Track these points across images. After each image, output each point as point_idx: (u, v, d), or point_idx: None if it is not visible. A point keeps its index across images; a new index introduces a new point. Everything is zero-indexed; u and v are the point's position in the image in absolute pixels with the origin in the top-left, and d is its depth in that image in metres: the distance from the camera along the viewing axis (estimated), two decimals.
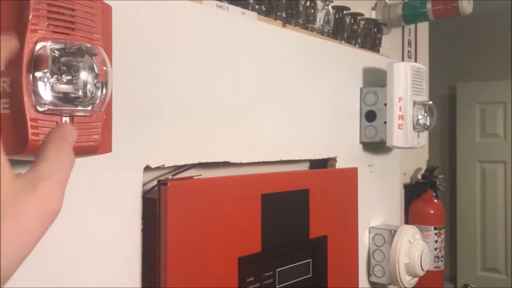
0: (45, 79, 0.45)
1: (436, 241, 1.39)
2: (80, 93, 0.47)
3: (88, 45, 0.48)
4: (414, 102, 1.08)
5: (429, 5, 1.31)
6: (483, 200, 2.95)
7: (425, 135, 1.14)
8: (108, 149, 0.55)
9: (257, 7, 0.90)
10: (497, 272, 2.89)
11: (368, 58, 1.17)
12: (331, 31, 1.12)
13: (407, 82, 1.07)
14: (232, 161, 0.82)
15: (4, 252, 0.29)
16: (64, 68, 0.47)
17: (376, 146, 1.18)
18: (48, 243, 0.56)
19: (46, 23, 0.46)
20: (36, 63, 0.45)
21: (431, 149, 1.65)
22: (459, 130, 3.05)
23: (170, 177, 0.68)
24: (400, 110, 1.07)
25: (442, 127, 3.22)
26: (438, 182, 1.43)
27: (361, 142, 1.14)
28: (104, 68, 0.49)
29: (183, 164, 0.75)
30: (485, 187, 2.95)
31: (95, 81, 0.49)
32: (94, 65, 0.48)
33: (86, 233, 0.61)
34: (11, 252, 0.30)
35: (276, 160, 0.91)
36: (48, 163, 0.34)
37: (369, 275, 1.13)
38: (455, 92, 3.10)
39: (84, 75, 0.47)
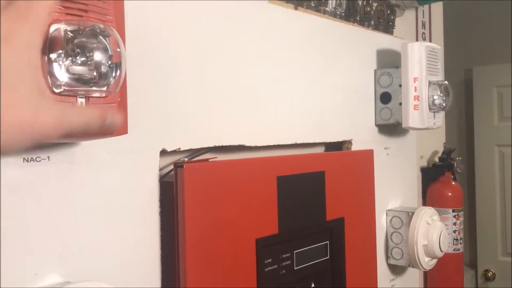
0: (60, 61, 0.45)
1: (454, 224, 1.38)
2: (95, 73, 0.48)
3: (101, 25, 0.49)
4: (430, 82, 1.07)
5: None
6: (502, 184, 2.90)
7: (441, 115, 1.12)
8: (124, 131, 0.55)
9: None
10: None
11: (381, 40, 1.15)
12: (343, 14, 1.11)
13: (422, 62, 1.05)
14: (247, 144, 0.82)
15: None
16: (78, 49, 0.47)
17: (391, 128, 1.17)
18: (67, 227, 0.57)
19: (59, 6, 0.46)
20: (51, 45, 0.45)
21: (448, 133, 1.63)
22: (476, 114, 3.00)
23: (186, 160, 0.68)
24: (416, 91, 1.06)
25: (459, 111, 3.18)
26: (455, 164, 1.42)
27: (376, 125, 1.13)
28: (118, 49, 0.50)
29: (199, 147, 0.75)
30: (504, 171, 2.91)
31: (109, 62, 0.49)
32: (108, 46, 0.49)
33: (104, 216, 0.61)
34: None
35: (291, 143, 0.91)
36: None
37: (387, 257, 1.13)
38: (471, 76, 3.06)
39: (98, 56, 0.48)
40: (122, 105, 0.54)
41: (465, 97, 3.16)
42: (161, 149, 0.69)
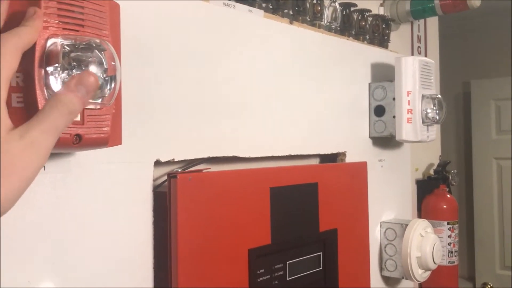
0: (57, 74, 0.47)
1: (449, 236, 1.39)
2: None
3: (97, 40, 0.50)
4: (423, 96, 1.08)
5: (437, 0, 1.31)
6: (500, 197, 2.91)
7: (434, 129, 1.14)
8: (118, 142, 0.57)
9: (264, 5, 0.92)
10: None
11: (376, 54, 1.17)
12: (338, 28, 1.14)
13: (415, 76, 1.07)
14: (241, 155, 0.83)
15: None
16: (75, 63, 0.49)
17: (386, 141, 1.19)
18: (61, 236, 0.59)
19: (57, 21, 0.48)
20: (48, 58, 0.47)
21: (446, 146, 1.64)
22: (474, 127, 3.02)
23: (179, 170, 0.70)
24: (409, 104, 1.07)
25: (457, 124, 3.20)
26: (450, 177, 1.43)
27: (371, 137, 1.14)
28: (113, 63, 0.51)
29: (193, 158, 0.76)
30: (502, 184, 2.92)
31: (104, 75, 0.51)
32: (103, 60, 0.50)
33: (98, 226, 0.63)
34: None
35: (285, 155, 0.92)
36: (39, 114, 0.41)
37: (381, 269, 1.14)
38: (470, 89, 3.08)
39: (93, 69, 0.49)
40: (117, 116, 0.56)
41: (463, 110, 3.18)
42: (155, 160, 0.70)
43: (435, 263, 1.09)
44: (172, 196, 0.68)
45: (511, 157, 2.89)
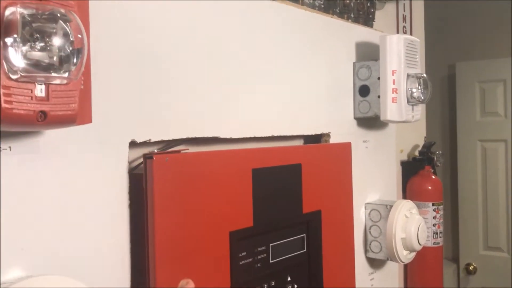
0: (16, 46, 0.44)
1: (434, 217, 1.38)
2: (55, 59, 0.46)
3: (62, 10, 0.47)
4: (408, 75, 1.06)
5: None
6: (484, 179, 2.93)
7: (419, 108, 1.12)
8: (88, 120, 0.54)
9: None
10: (499, 251, 2.89)
11: (361, 33, 1.15)
12: (322, 6, 1.11)
13: (400, 54, 1.05)
14: (222, 136, 0.81)
15: None
16: (37, 35, 0.46)
17: (370, 122, 1.17)
18: (30, 220, 0.56)
19: None
20: (6, 29, 0.44)
21: (431, 129, 1.63)
22: (459, 110, 3.02)
23: (156, 151, 0.67)
24: (394, 84, 1.05)
25: (443, 107, 3.20)
26: (435, 158, 1.42)
27: (355, 118, 1.12)
28: (79, 35, 0.48)
29: (171, 139, 0.74)
30: (486, 166, 2.93)
31: (70, 48, 0.47)
32: (69, 32, 0.47)
33: (70, 209, 0.60)
34: None
35: (268, 136, 0.90)
36: None
37: (366, 251, 1.13)
38: (455, 72, 3.07)
39: (57, 41, 0.46)
40: (86, 92, 0.53)
41: (448, 93, 3.18)
42: (130, 140, 0.67)
43: (420, 244, 1.09)
44: (148, 177, 0.65)
45: (496, 140, 2.90)
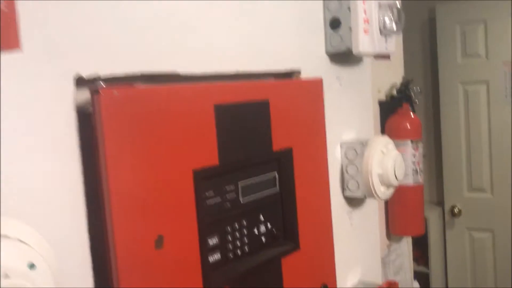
0: None
1: (414, 155, 1.36)
2: None
3: None
4: (380, 4, 1.01)
5: None
6: (467, 121, 2.93)
7: (393, 40, 1.08)
8: (14, 45, 0.49)
9: None
10: (482, 192, 2.92)
11: None
12: None
13: None
14: (181, 71, 0.76)
15: None
16: None
17: (344, 58, 1.12)
18: None
19: None
20: None
21: (411, 74, 1.59)
22: (440, 52, 2.98)
23: (103, 85, 0.62)
24: (365, 13, 1.00)
25: (424, 51, 3.16)
26: (413, 95, 1.39)
27: (327, 53, 1.07)
28: None
29: (123, 75, 0.68)
30: (468, 109, 2.92)
31: None
32: None
33: (10, 153, 0.55)
34: None
35: (232, 72, 0.85)
36: None
37: (343, 190, 1.11)
38: (435, 16, 3.01)
39: None
40: (10, 15, 0.47)
41: (429, 36, 3.13)
42: (75, 75, 0.62)
43: (397, 179, 1.06)
44: (97, 115, 0.60)
45: (477, 81, 2.88)
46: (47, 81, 0.59)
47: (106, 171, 0.61)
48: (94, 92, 0.60)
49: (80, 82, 0.63)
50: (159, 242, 0.66)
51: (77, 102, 0.63)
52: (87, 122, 0.62)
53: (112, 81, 0.66)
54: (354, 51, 1.02)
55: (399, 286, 1.24)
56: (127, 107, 0.63)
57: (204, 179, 0.73)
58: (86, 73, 0.63)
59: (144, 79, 0.70)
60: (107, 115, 0.60)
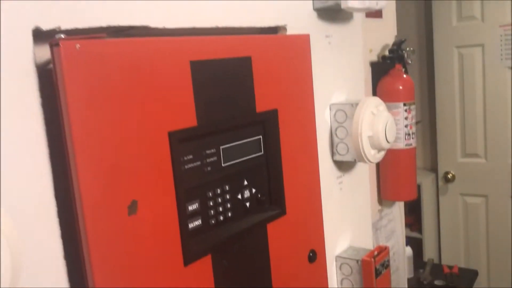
0: None
1: (406, 118, 1.32)
2: None
3: None
4: None
5: None
6: (461, 86, 2.88)
7: None
8: None
9: None
10: (476, 157, 2.90)
11: None
12: None
13: None
14: (153, 25, 0.70)
15: None
16: None
17: (333, 14, 1.06)
18: None
19: None
20: None
21: (405, 33, 1.53)
22: (435, 15, 2.90)
23: (63, 36, 0.56)
24: None
25: (418, 12, 3.08)
26: (406, 55, 1.33)
27: (315, 9, 1.01)
28: None
29: (87, 28, 0.63)
30: (463, 73, 2.87)
31: None
32: None
33: None
34: None
35: (211, 26, 0.79)
36: None
37: (333, 154, 1.06)
38: None
39: None
40: None
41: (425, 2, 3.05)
42: (33, 27, 0.56)
43: (388, 142, 1.02)
44: (58, 70, 0.55)
45: (472, 45, 2.82)
46: (1, 34, 0.53)
47: (71, 132, 0.56)
48: (54, 45, 0.54)
49: (39, 35, 0.57)
50: (132, 207, 0.62)
51: (37, 58, 0.57)
52: (48, 79, 0.57)
53: (75, 33, 0.60)
54: (343, 6, 0.96)
55: (391, 251, 1.22)
56: (91, 61, 0.57)
57: (181, 141, 0.68)
58: (46, 27, 0.57)
59: (111, 33, 0.65)
60: (69, 70, 0.55)
